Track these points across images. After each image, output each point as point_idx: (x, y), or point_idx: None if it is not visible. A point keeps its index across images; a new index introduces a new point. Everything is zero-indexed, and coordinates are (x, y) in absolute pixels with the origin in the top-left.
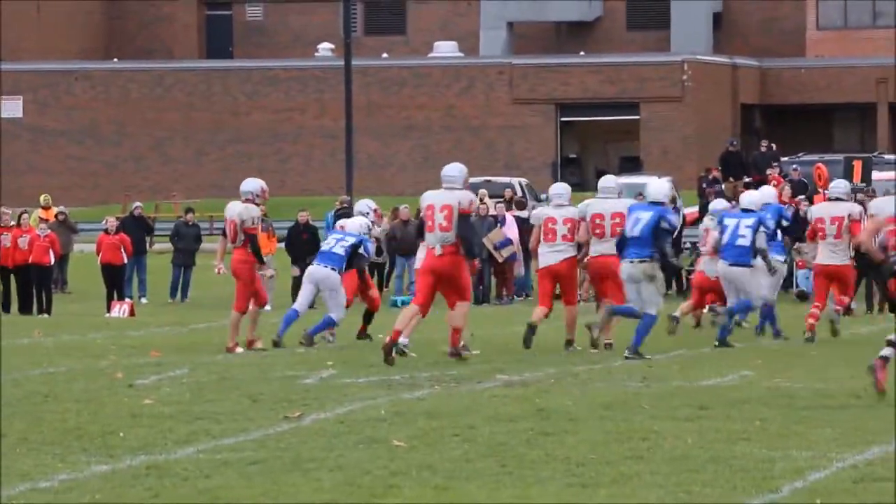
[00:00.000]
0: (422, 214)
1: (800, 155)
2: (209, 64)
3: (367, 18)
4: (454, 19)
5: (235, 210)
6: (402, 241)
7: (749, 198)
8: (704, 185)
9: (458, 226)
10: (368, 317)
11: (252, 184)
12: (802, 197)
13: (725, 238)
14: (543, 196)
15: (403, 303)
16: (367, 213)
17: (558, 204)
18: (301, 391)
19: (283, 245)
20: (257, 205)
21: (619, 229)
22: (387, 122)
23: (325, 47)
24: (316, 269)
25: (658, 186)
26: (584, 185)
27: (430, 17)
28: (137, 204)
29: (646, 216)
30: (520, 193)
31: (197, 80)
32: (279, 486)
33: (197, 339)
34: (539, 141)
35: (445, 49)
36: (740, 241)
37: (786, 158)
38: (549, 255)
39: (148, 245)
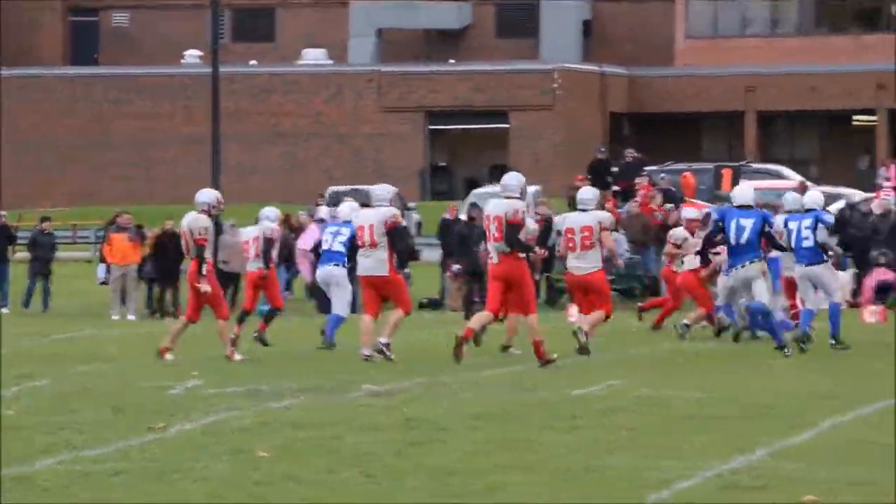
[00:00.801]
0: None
1: (668, 163)
2: (75, 70)
3: (235, 25)
4: (323, 26)
5: (186, 221)
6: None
7: (810, 198)
8: (572, 194)
9: (506, 234)
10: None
11: (206, 195)
12: (671, 206)
13: (792, 243)
14: (412, 204)
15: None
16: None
17: (583, 209)
18: (166, 402)
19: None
20: (212, 215)
21: (587, 242)
22: (255, 128)
23: (192, 54)
24: (322, 271)
25: (744, 191)
26: (452, 193)
27: (299, 24)
28: (1, 213)
29: (748, 223)
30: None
31: (62, 87)
32: (143, 498)
33: (59, 349)
34: (408, 149)
35: (314, 56)
36: (806, 244)
37: (654, 167)
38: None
39: (10, 254)
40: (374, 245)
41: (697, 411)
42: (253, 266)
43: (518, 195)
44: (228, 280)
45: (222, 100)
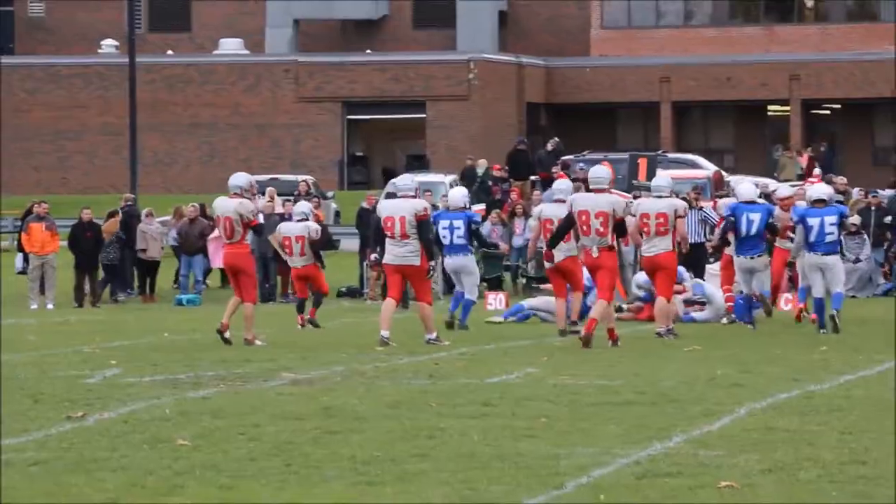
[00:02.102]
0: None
1: (584, 153)
2: None
3: (151, 15)
4: (240, 16)
5: (230, 207)
6: (187, 239)
7: (828, 191)
8: (490, 183)
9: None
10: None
11: (240, 178)
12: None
13: (813, 237)
14: (330, 194)
15: (189, 301)
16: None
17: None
18: (84, 391)
19: (66, 243)
20: (246, 198)
21: (662, 228)
22: (172, 119)
23: (108, 44)
24: (451, 261)
25: (747, 188)
26: (370, 183)
27: (216, 14)
28: None
29: (756, 216)
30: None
31: None
32: (61, 487)
33: None
34: (325, 139)
35: (231, 46)
36: (829, 238)
37: (570, 156)
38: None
39: None
40: (405, 236)
41: (613, 398)
42: (298, 263)
43: (607, 186)
44: (148, 268)
45: (139, 90)
